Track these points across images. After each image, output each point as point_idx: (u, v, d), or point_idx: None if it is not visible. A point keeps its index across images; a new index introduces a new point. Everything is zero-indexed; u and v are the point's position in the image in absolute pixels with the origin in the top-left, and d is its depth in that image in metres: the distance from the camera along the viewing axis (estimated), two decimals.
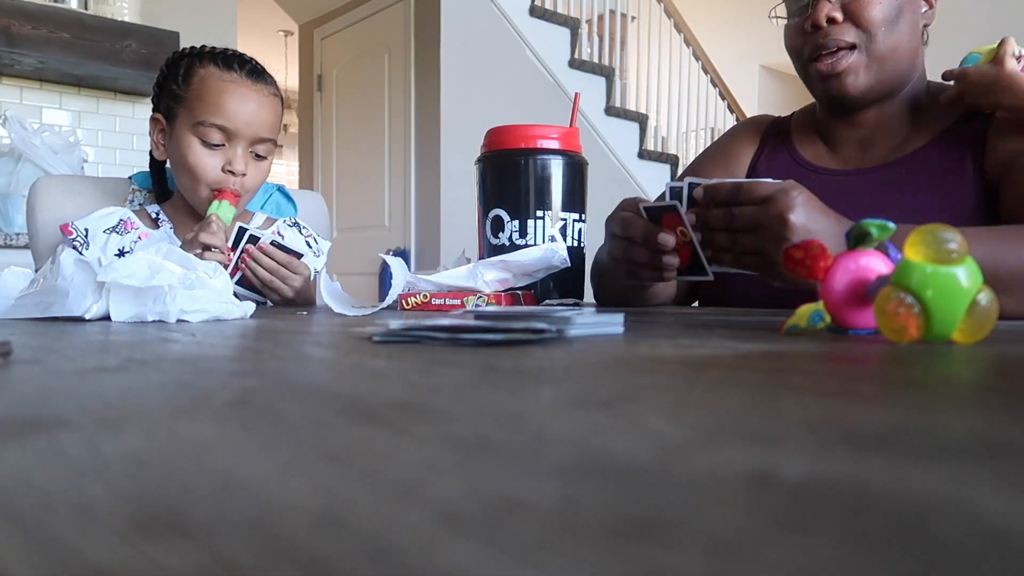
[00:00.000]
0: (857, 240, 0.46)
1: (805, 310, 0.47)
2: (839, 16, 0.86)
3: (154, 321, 0.59)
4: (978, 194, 0.86)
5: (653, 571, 0.10)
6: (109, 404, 0.23)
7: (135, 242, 1.05)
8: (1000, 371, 0.33)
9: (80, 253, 1.00)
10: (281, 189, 1.35)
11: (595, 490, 0.13)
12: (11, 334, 0.34)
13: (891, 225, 0.45)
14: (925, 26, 0.93)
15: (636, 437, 0.18)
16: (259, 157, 1.06)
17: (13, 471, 0.15)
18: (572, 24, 4.08)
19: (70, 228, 1.04)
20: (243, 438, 0.18)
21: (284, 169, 8.63)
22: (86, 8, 2.32)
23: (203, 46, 1.08)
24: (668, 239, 0.70)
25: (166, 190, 1.16)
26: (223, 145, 1.02)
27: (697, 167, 1.09)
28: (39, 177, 1.30)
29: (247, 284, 1.02)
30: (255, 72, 1.06)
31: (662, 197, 0.75)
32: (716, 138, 1.14)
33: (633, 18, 4.65)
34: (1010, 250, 0.66)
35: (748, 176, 1.04)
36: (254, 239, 1.00)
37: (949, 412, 0.22)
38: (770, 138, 1.06)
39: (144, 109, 2.56)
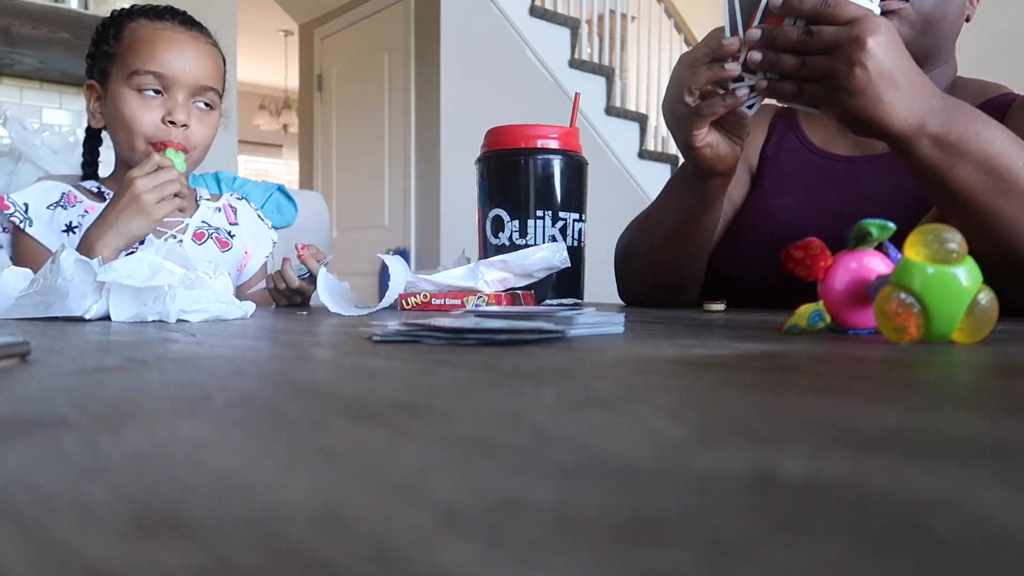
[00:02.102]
0: (857, 240, 0.46)
1: (805, 310, 0.47)
2: None
3: (154, 321, 0.59)
4: None
5: (653, 571, 0.10)
6: (109, 404, 0.23)
7: (82, 216, 1.00)
8: (1000, 371, 0.33)
9: (24, 230, 0.97)
10: (281, 189, 1.35)
11: (595, 490, 0.13)
12: (11, 334, 0.34)
13: (891, 225, 0.45)
14: (967, 18, 0.91)
15: (636, 437, 0.18)
16: (205, 107, 1.01)
17: (13, 471, 0.15)
18: (572, 24, 4.09)
19: (6, 202, 0.99)
20: (243, 438, 0.18)
21: (284, 169, 8.63)
22: (86, 8, 2.32)
23: (133, 4, 1.04)
24: (733, 42, 0.65)
25: (95, 163, 1.11)
26: (161, 94, 0.97)
27: None
28: (38, 177, 1.30)
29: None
30: (188, 21, 1.02)
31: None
32: None
33: (633, 18, 4.65)
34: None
35: (760, 160, 1.02)
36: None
37: (949, 412, 0.22)
38: (778, 123, 1.04)
39: None
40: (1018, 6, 3.21)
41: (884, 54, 0.61)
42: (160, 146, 0.97)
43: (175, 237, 1.05)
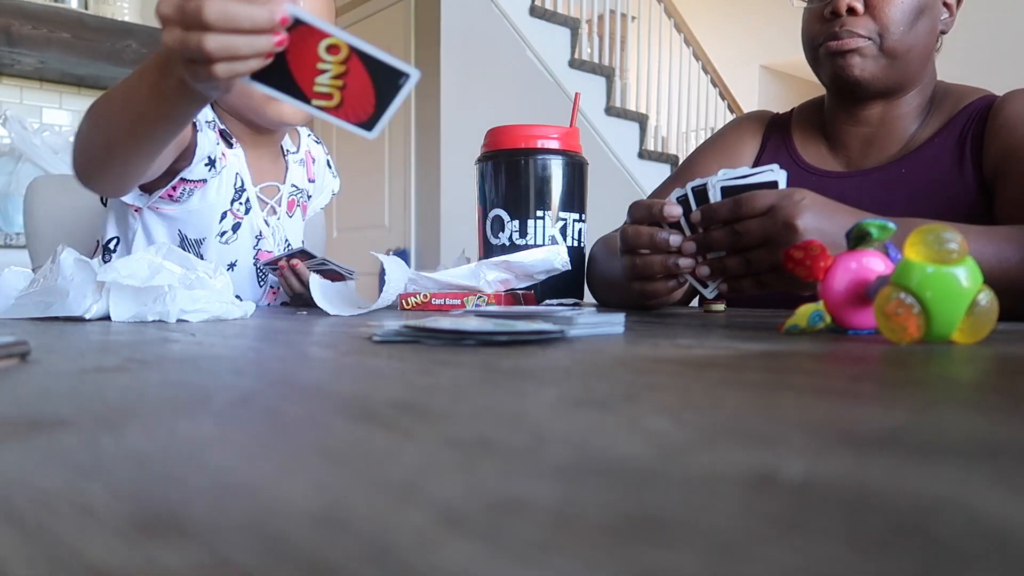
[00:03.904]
0: (857, 240, 0.46)
1: (805, 310, 0.47)
2: (860, 7, 0.85)
3: (154, 321, 0.59)
4: (976, 194, 0.86)
5: (653, 571, 0.10)
6: (109, 404, 0.23)
7: (220, 158, 0.94)
8: (1000, 371, 0.33)
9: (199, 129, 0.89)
10: None
11: (595, 490, 0.13)
12: (11, 334, 0.34)
13: (891, 225, 0.45)
14: (942, 32, 0.92)
15: (636, 437, 0.18)
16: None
17: (13, 471, 0.15)
18: (572, 24, 4.08)
19: None
20: (243, 438, 0.18)
21: None
22: (86, 8, 2.32)
23: None
24: (675, 238, 0.67)
25: None
26: None
27: (696, 161, 1.06)
28: (37, 176, 1.30)
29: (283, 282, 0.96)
30: None
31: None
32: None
33: (633, 18, 4.65)
34: (1015, 251, 0.66)
35: None
36: (306, 254, 0.93)
37: (949, 412, 0.22)
38: (772, 136, 1.05)
39: None
40: (1013, 7, 3.22)
41: (818, 224, 0.61)
42: None
43: (274, 211, 1.02)
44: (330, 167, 1.16)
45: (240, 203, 0.99)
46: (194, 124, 0.90)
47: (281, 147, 1.07)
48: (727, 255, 0.65)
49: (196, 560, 0.10)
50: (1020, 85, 0.93)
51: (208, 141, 0.91)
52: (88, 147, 0.75)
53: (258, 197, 1.02)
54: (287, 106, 0.82)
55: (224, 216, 0.97)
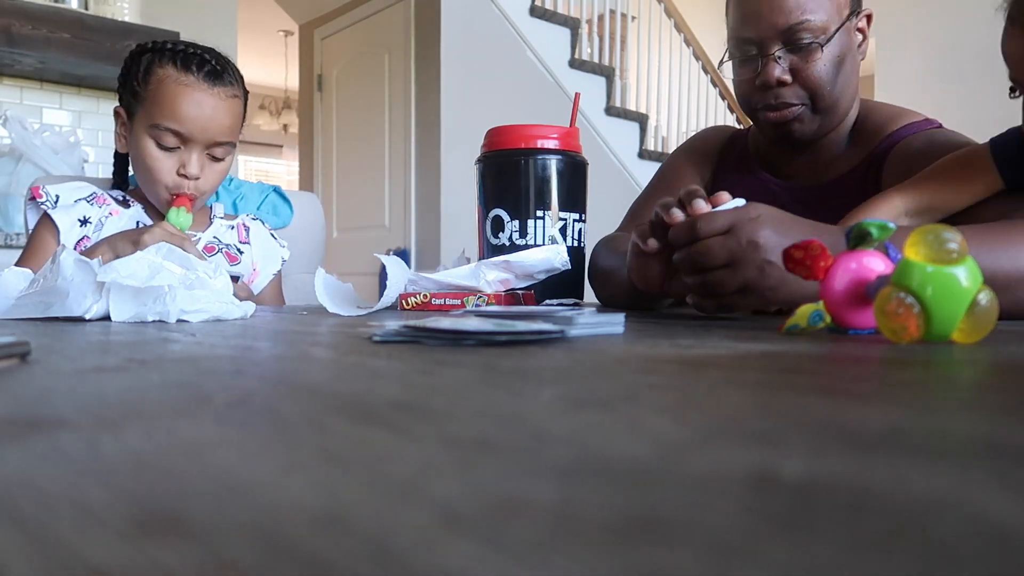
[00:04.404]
0: (857, 240, 0.46)
1: (805, 310, 0.47)
2: (788, 78, 0.88)
3: (154, 321, 0.59)
4: None
5: (653, 571, 0.10)
6: (109, 404, 0.23)
7: (106, 217, 1.06)
8: (1000, 371, 0.33)
9: (48, 213, 1.04)
10: (277, 190, 1.36)
11: (595, 490, 0.13)
12: (11, 334, 0.34)
13: (891, 225, 0.45)
14: (862, 58, 0.95)
15: (636, 437, 0.18)
16: (215, 159, 1.06)
17: (13, 471, 0.15)
18: (572, 24, 4.08)
19: (40, 192, 1.05)
20: (243, 438, 0.18)
21: (284, 169, 8.63)
22: (86, 8, 2.32)
23: (165, 42, 1.07)
24: (652, 243, 0.69)
25: (125, 180, 1.17)
26: (178, 148, 1.03)
27: (671, 164, 1.11)
28: (37, 177, 1.30)
29: None
30: (213, 74, 1.04)
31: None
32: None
33: (633, 18, 4.65)
34: (1004, 250, 0.66)
35: (714, 182, 1.06)
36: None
37: (949, 412, 0.22)
38: (732, 154, 1.07)
39: None
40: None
41: (778, 239, 0.60)
42: (175, 199, 1.03)
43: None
44: (275, 239, 1.24)
45: None
46: (48, 216, 1.04)
47: (211, 212, 1.18)
48: (689, 275, 0.65)
49: (196, 560, 0.10)
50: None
51: (65, 216, 1.05)
52: None
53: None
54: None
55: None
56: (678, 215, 0.66)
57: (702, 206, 0.65)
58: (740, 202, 0.66)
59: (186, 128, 1.01)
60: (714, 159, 1.09)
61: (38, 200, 1.05)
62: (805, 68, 0.88)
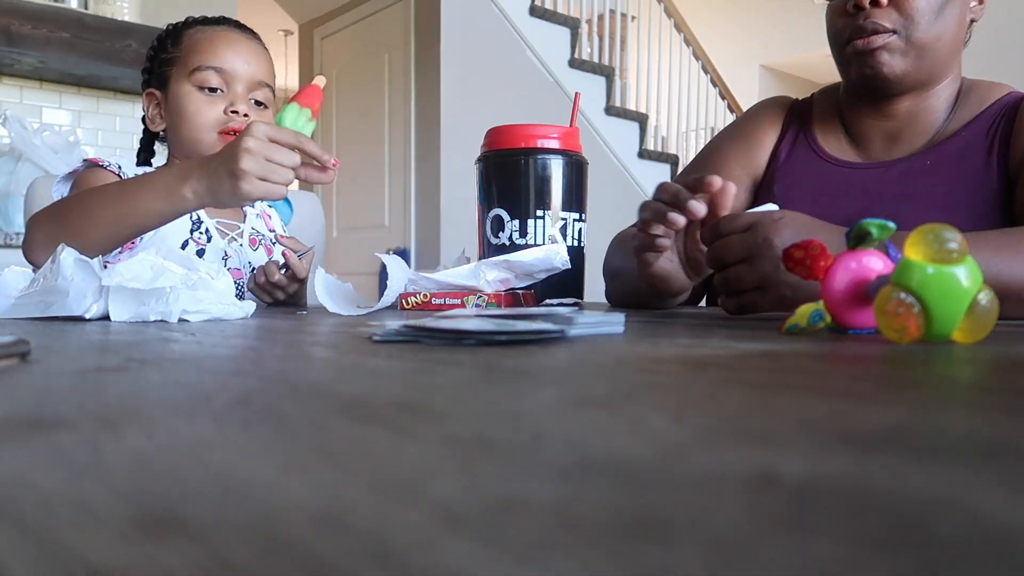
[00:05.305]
0: (857, 240, 0.46)
1: (805, 310, 0.47)
2: None
3: (155, 321, 0.59)
4: (999, 190, 0.85)
5: (653, 571, 0.10)
6: (109, 404, 0.23)
7: None
8: (1000, 371, 0.33)
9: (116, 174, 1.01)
10: None
11: (595, 490, 0.13)
12: (11, 334, 0.34)
13: (891, 225, 0.45)
14: (972, 21, 0.90)
15: (636, 437, 0.18)
16: (259, 104, 1.05)
17: (13, 471, 0.15)
18: (572, 24, 4.08)
19: (101, 160, 1.02)
20: (243, 438, 0.18)
21: None
22: (86, 8, 2.32)
23: (187, 16, 1.08)
24: (699, 207, 0.67)
25: (151, 155, 1.15)
26: (222, 91, 1.01)
27: (716, 149, 1.04)
28: (37, 177, 1.30)
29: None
30: (241, 26, 1.07)
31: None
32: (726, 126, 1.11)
33: (633, 18, 4.65)
34: (1010, 258, 0.65)
35: (770, 164, 1.00)
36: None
37: (949, 412, 0.22)
38: (792, 124, 1.01)
39: None
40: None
41: (797, 238, 0.60)
42: (227, 134, 1.00)
43: (237, 240, 1.10)
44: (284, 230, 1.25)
45: (200, 232, 1.06)
46: (120, 178, 1.01)
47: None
48: (713, 274, 0.66)
49: (196, 560, 0.10)
50: None
51: None
52: (64, 231, 0.82)
53: (217, 228, 1.09)
54: None
55: (186, 244, 1.04)
56: (678, 220, 0.67)
57: (699, 209, 0.66)
58: (771, 207, 0.67)
59: (229, 64, 1.01)
60: (784, 118, 1.02)
61: (102, 164, 1.02)
62: None
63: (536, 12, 3.93)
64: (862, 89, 0.91)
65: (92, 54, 2.23)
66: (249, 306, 0.66)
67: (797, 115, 1.02)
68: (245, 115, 1.01)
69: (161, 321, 0.59)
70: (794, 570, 0.10)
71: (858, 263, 0.44)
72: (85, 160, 1.04)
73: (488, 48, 3.77)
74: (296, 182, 0.79)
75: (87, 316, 0.60)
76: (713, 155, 1.03)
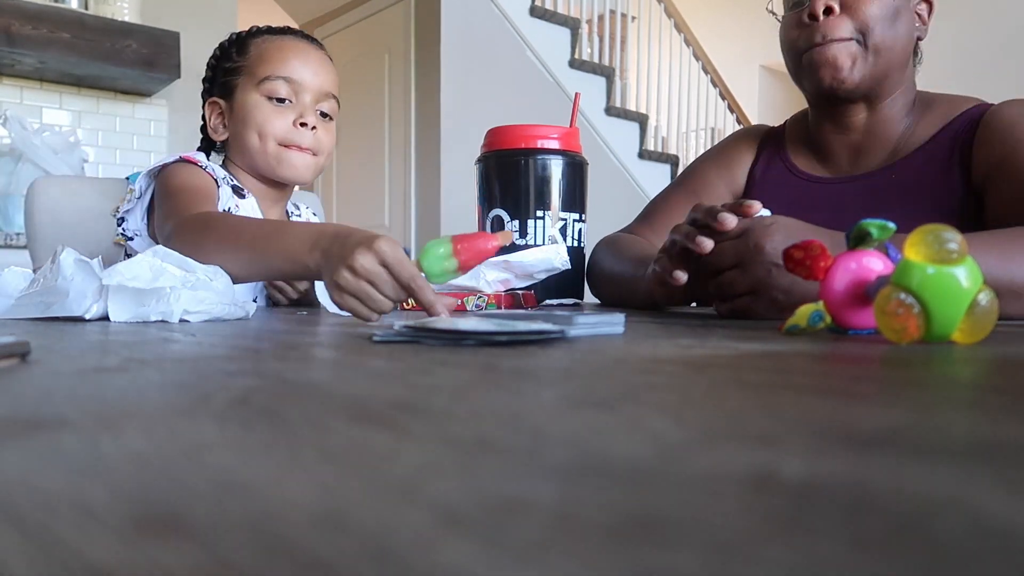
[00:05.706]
0: (857, 240, 0.46)
1: (805, 310, 0.47)
2: (836, 7, 0.86)
3: (155, 321, 0.59)
4: (962, 200, 0.87)
5: (653, 571, 0.10)
6: (109, 404, 0.23)
7: (234, 208, 1.00)
8: (1000, 371, 0.33)
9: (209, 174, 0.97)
10: None
11: (595, 490, 0.13)
12: (11, 334, 0.34)
13: (891, 225, 0.45)
14: (919, 39, 0.93)
15: (636, 437, 0.18)
16: (325, 116, 1.02)
17: (13, 471, 0.15)
18: (572, 24, 4.08)
19: (199, 161, 0.98)
20: (243, 438, 0.18)
21: None
22: (86, 8, 2.32)
23: (252, 26, 1.07)
24: (706, 243, 0.66)
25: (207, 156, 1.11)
26: (290, 102, 0.99)
27: (697, 170, 1.09)
28: (37, 177, 1.30)
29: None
30: (308, 36, 1.06)
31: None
32: (717, 140, 1.15)
33: (633, 18, 4.65)
34: (1012, 257, 0.65)
35: (748, 182, 1.05)
36: None
37: (949, 412, 0.22)
38: (767, 146, 1.06)
39: (144, 109, 2.56)
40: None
41: (789, 242, 0.60)
42: (288, 147, 0.98)
43: None
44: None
45: None
46: (216, 180, 0.97)
47: (287, 210, 1.14)
48: (705, 279, 0.67)
49: (196, 560, 0.10)
50: (1002, 93, 0.94)
51: (225, 195, 0.99)
52: (202, 258, 0.77)
53: None
54: (299, 163, 0.99)
55: None
56: (707, 243, 0.66)
57: (729, 220, 0.65)
58: (765, 212, 0.67)
59: (298, 75, 0.99)
60: (759, 143, 1.07)
61: (200, 165, 0.97)
62: (856, 1, 0.86)
63: (536, 12, 3.93)
64: (821, 100, 0.94)
65: (92, 54, 2.23)
66: (249, 306, 0.66)
67: (772, 139, 1.07)
68: (313, 127, 1.00)
69: (161, 321, 0.59)
70: (794, 570, 0.10)
71: (858, 264, 0.44)
72: (180, 157, 0.99)
73: (488, 48, 3.77)
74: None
75: (87, 316, 0.60)
76: (697, 176, 1.08)
